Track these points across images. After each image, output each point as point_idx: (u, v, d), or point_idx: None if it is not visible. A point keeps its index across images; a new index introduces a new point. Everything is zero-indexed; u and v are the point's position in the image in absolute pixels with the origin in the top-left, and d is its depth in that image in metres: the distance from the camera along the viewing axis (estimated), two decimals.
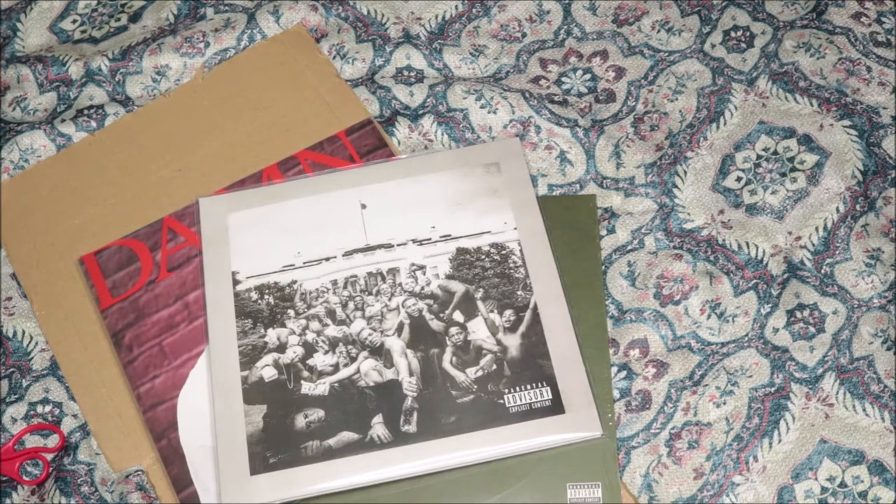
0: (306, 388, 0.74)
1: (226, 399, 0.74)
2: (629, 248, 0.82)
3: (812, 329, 0.78)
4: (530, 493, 0.71)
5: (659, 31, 0.92)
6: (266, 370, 0.75)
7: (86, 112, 0.90)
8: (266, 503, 0.70)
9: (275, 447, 0.72)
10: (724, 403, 0.75)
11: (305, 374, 0.75)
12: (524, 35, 0.93)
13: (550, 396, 0.73)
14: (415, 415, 0.73)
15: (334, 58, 0.92)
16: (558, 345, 0.75)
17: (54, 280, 0.82)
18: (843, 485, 0.72)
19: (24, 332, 0.81)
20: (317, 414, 0.73)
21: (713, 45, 0.91)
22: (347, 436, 0.72)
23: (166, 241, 0.82)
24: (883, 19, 0.91)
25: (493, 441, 0.72)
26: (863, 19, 0.91)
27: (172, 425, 0.74)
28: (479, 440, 0.72)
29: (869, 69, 0.88)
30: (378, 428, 0.72)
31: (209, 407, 0.74)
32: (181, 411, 0.75)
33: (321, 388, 0.74)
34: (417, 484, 0.71)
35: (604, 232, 0.82)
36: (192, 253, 0.81)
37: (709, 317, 0.79)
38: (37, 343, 0.81)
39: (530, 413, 0.73)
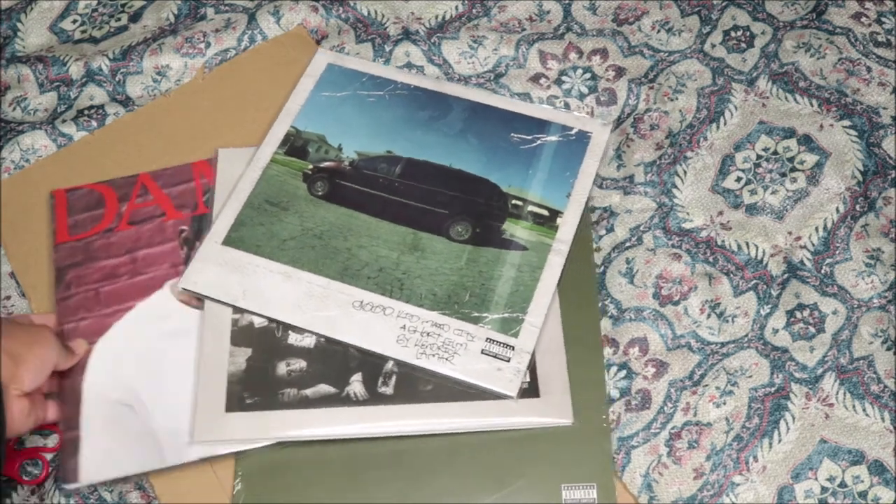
0: (293, 338, 0.76)
1: (213, 338, 0.75)
2: (627, 244, 0.82)
3: (812, 329, 0.78)
4: (526, 494, 0.71)
5: (659, 31, 0.92)
6: (257, 316, 0.76)
7: (86, 112, 0.90)
8: (236, 439, 0.71)
9: (253, 389, 0.73)
10: (724, 403, 0.75)
11: None
12: (524, 30, 0.93)
13: (528, 379, 0.73)
14: (393, 378, 0.74)
15: None
16: (544, 330, 0.75)
17: (53, 280, 0.82)
18: (843, 485, 0.72)
19: None
20: (299, 364, 0.74)
21: (713, 45, 0.91)
22: (324, 388, 0.73)
23: (136, 196, 0.84)
24: (883, 19, 0.91)
25: (465, 414, 0.72)
26: (863, 19, 0.91)
27: (82, 368, 0.75)
28: (452, 411, 0.72)
29: (869, 69, 0.88)
30: (356, 385, 0.73)
31: (197, 343, 0.75)
32: (94, 358, 0.76)
33: (308, 340, 0.75)
34: (409, 470, 0.72)
35: (603, 231, 0.82)
36: (157, 213, 0.83)
37: (708, 316, 0.78)
38: None
39: None
